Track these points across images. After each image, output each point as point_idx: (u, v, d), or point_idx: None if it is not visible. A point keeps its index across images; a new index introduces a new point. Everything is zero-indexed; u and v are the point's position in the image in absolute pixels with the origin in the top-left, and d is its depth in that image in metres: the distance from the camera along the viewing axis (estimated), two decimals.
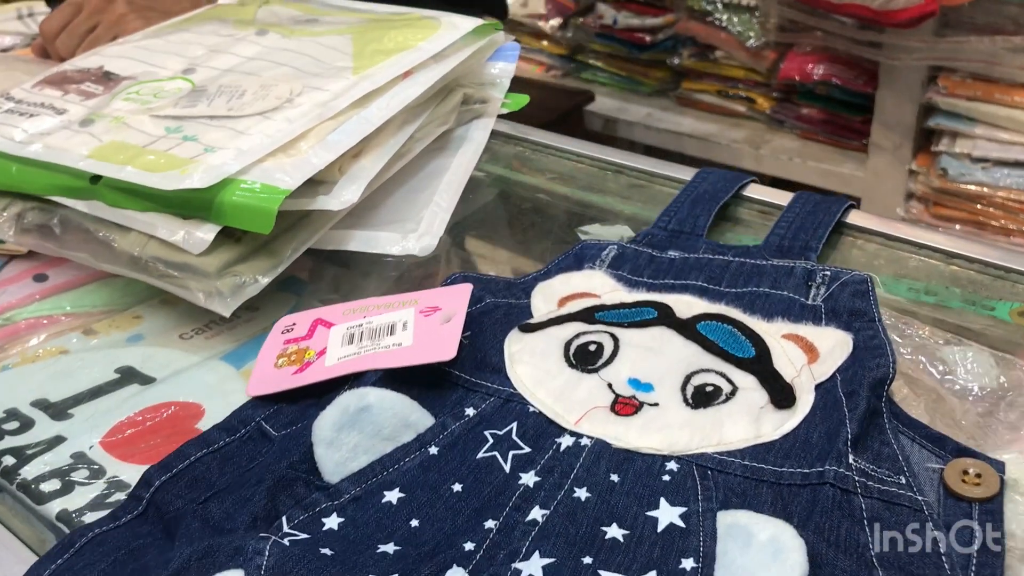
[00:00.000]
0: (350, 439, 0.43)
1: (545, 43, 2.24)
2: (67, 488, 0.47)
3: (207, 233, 0.56)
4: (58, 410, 0.52)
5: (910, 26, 1.37)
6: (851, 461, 0.41)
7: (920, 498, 0.40)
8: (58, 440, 0.50)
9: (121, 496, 0.46)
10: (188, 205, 0.57)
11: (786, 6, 1.68)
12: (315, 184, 0.61)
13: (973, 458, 0.42)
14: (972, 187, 1.61)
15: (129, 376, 0.55)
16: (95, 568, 0.39)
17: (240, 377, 0.55)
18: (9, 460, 0.48)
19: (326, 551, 0.38)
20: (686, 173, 0.68)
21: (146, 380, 0.55)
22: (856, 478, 0.40)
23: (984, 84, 1.54)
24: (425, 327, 0.49)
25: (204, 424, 0.51)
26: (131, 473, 0.47)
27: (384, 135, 0.66)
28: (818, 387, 0.46)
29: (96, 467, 0.48)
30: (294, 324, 0.53)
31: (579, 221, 0.66)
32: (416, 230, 0.63)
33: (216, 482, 0.43)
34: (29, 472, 0.48)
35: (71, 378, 0.55)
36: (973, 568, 0.37)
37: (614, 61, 2.16)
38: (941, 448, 0.43)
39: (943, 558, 0.37)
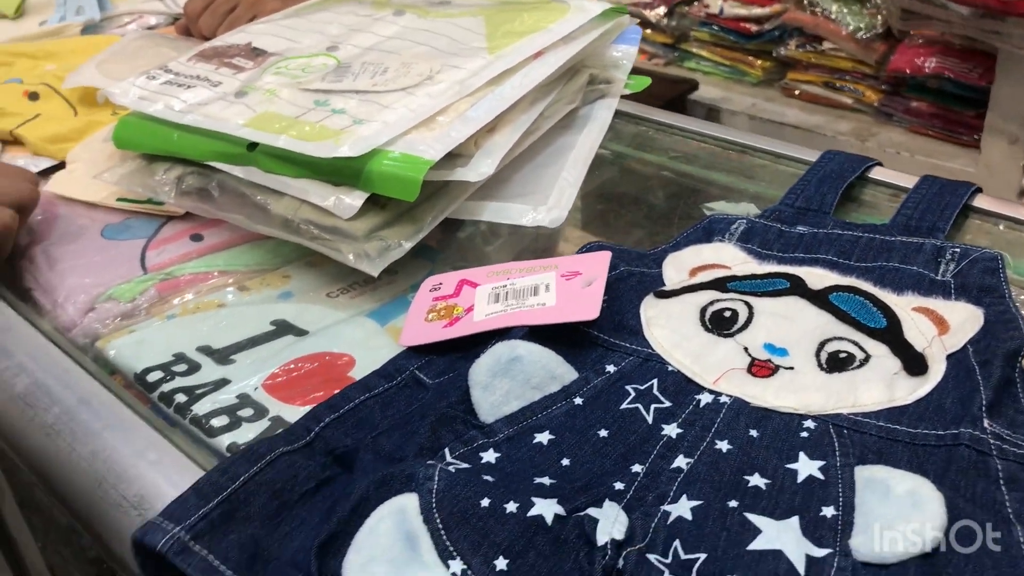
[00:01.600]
0: (503, 385, 0.46)
1: (649, 31, 2.24)
2: (234, 424, 0.51)
3: (356, 199, 0.60)
4: (221, 356, 0.56)
5: None
6: (986, 425, 0.42)
7: None
8: (223, 382, 0.54)
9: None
10: (338, 173, 0.61)
11: None
12: (453, 157, 0.64)
13: None
14: None
15: (284, 328, 0.59)
16: (285, 494, 0.43)
17: (385, 333, 0.59)
18: (181, 397, 0.53)
19: (488, 478, 0.41)
20: (810, 154, 0.70)
21: (300, 332, 0.59)
22: (992, 441, 0.42)
23: None
24: (567, 289, 0.51)
25: (355, 372, 0.55)
26: (292, 413, 0.51)
27: (516, 112, 0.69)
28: (949, 357, 0.47)
29: (259, 406, 0.52)
30: (440, 283, 0.56)
31: (704, 198, 0.68)
32: (546, 203, 0.66)
33: (379, 423, 0.47)
34: (200, 408, 0.52)
35: (231, 328, 0.59)
36: None
37: (718, 50, 2.16)
38: None
39: None
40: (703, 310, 0.51)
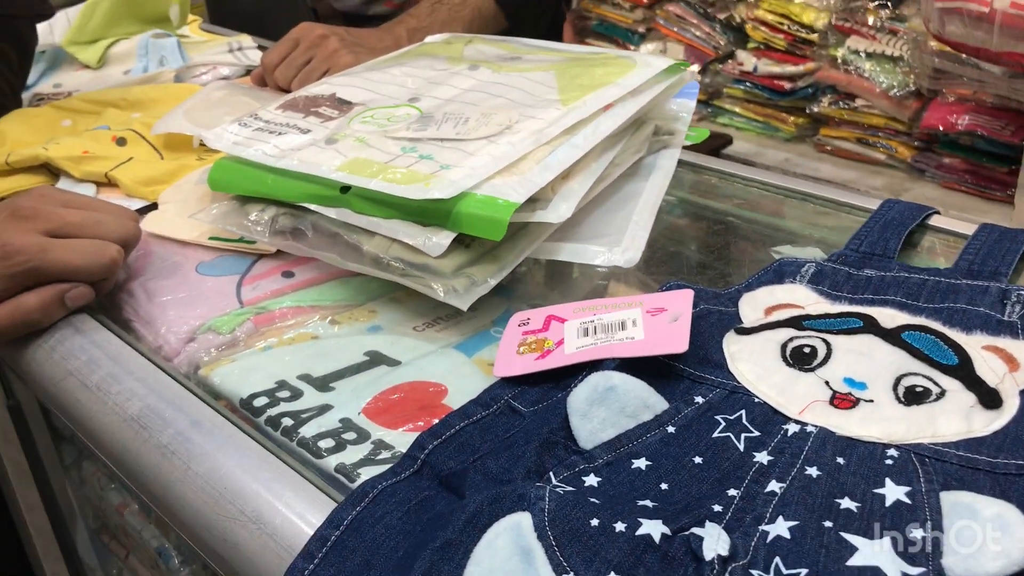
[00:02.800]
0: (599, 413, 0.49)
1: None
2: (340, 446, 0.54)
3: (444, 239, 0.64)
4: (321, 383, 0.60)
5: None
6: None
7: None
8: (326, 408, 0.57)
9: (387, 454, 0.53)
10: (427, 214, 0.65)
11: (935, 56, 1.70)
12: (532, 201, 0.68)
13: None
14: None
15: (378, 359, 0.62)
16: (393, 515, 0.46)
17: (472, 363, 0.62)
18: (287, 421, 0.56)
19: (594, 500, 0.44)
20: (871, 202, 0.73)
21: (393, 362, 0.62)
22: None
23: None
24: (654, 324, 0.55)
25: (448, 400, 0.58)
26: (392, 437, 0.54)
27: (589, 160, 0.73)
28: (1022, 393, 0.50)
29: (362, 430, 0.55)
30: (528, 319, 0.59)
31: (770, 243, 0.71)
32: (620, 244, 0.70)
33: (480, 447, 0.50)
34: (306, 431, 0.55)
35: (327, 358, 0.62)
36: None
37: (752, 106, 2.21)
38: None
39: None
40: (784, 346, 0.54)
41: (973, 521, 0.42)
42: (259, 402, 0.58)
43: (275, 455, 0.53)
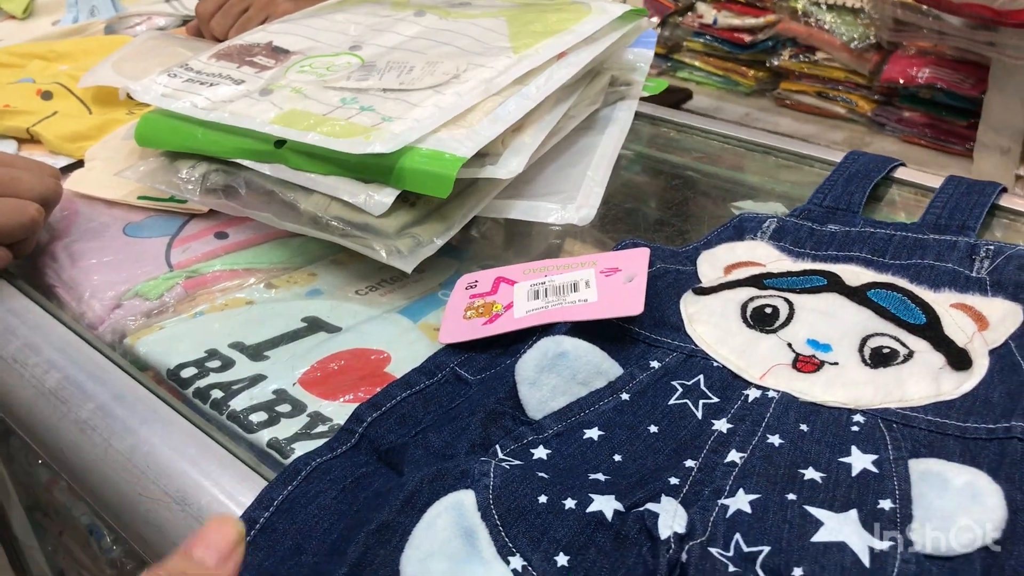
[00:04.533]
0: (549, 380, 0.46)
1: None
2: (273, 420, 0.50)
3: (387, 196, 0.60)
4: (255, 351, 0.56)
5: None
6: None
7: None
8: (259, 378, 0.53)
9: (323, 428, 0.49)
10: (369, 170, 0.61)
11: (897, 6, 1.67)
12: (481, 155, 0.64)
13: None
14: None
15: (316, 325, 0.59)
16: (327, 494, 0.43)
17: (418, 329, 0.58)
18: (217, 393, 0.52)
19: (543, 475, 0.40)
20: (831, 155, 0.70)
21: (332, 329, 0.58)
22: None
23: None
24: (608, 285, 0.51)
25: (392, 368, 0.54)
26: (330, 409, 0.51)
27: (541, 112, 0.69)
28: (992, 352, 0.48)
29: (298, 402, 0.52)
30: (476, 281, 0.56)
31: (728, 197, 0.68)
32: (574, 201, 0.66)
33: (422, 419, 0.47)
34: (237, 404, 0.51)
35: (262, 325, 0.58)
36: None
37: (712, 60, 2.17)
38: None
39: None
40: (744, 306, 0.52)
41: (943, 491, 0.39)
42: (187, 373, 0.54)
43: (202, 430, 0.49)
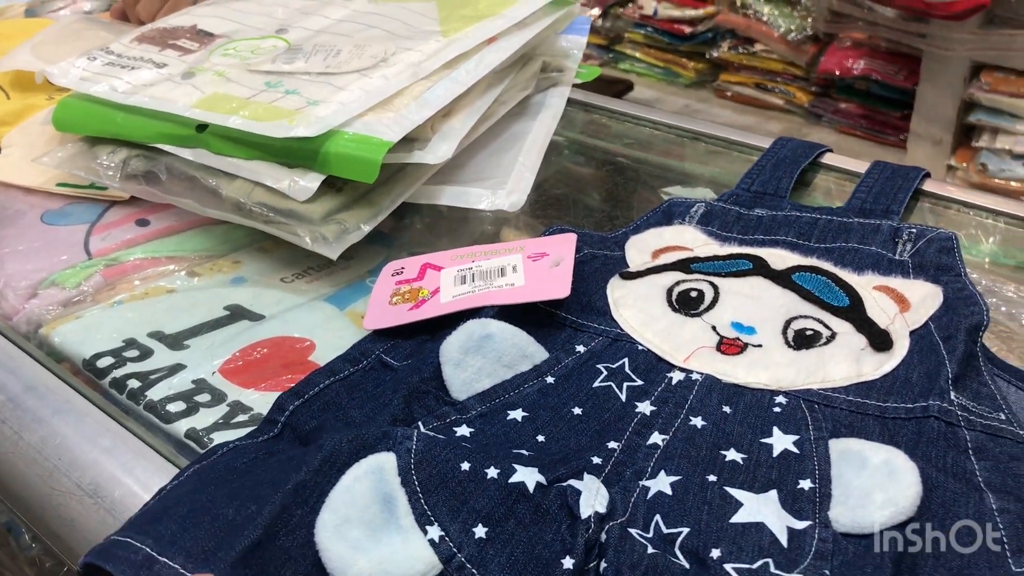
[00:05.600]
0: (475, 362, 0.45)
1: None
2: (192, 409, 0.49)
3: (312, 182, 0.59)
4: (174, 341, 0.54)
5: (962, 18, 1.39)
6: (952, 398, 0.43)
7: (1021, 431, 0.42)
8: (178, 367, 0.52)
9: (244, 417, 0.48)
10: (293, 154, 0.59)
11: None
12: (410, 141, 0.63)
13: None
14: (1013, 183, 1.62)
15: (239, 313, 0.57)
16: (238, 460, 0.42)
17: (344, 316, 0.57)
18: (134, 383, 0.51)
19: (466, 445, 0.40)
20: (761, 141, 0.70)
21: (255, 317, 0.57)
22: (959, 412, 0.43)
23: None
24: (535, 270, 0.51)
25: (316, 357, 0.53)
26: (252, 398, 0.50)
27: (471, 96, 0.69)
28: (912, 333, 0.48)
29: (217, 392, 0.50)
30: (403, 268, 0.55)
31: (660, 184, 0.68)
32: (504, 187, 0.65)
33: (346, 405, 0.46)
34: (154, 394, 0.50)
35: (183, 313, 0.57)
36: None
37: (652, 51, 2.18)
38: None
39: None
40: (669, 291, 0.51)
41: (861, 469, 0.39)
42: (103, 363, 0.52)
43: (117, 421, 0.48)
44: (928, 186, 0.64)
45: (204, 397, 0.50)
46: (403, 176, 0.64)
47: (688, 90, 2.16)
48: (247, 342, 0.54)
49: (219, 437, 0.47)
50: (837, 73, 1.89)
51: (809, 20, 1.89)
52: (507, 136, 0.72)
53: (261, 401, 0.49)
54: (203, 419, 0.48)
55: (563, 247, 0.52)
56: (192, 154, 0.62)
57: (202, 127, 0.62)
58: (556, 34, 0.82)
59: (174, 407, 0.49)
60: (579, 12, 0.82)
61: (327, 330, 0.56)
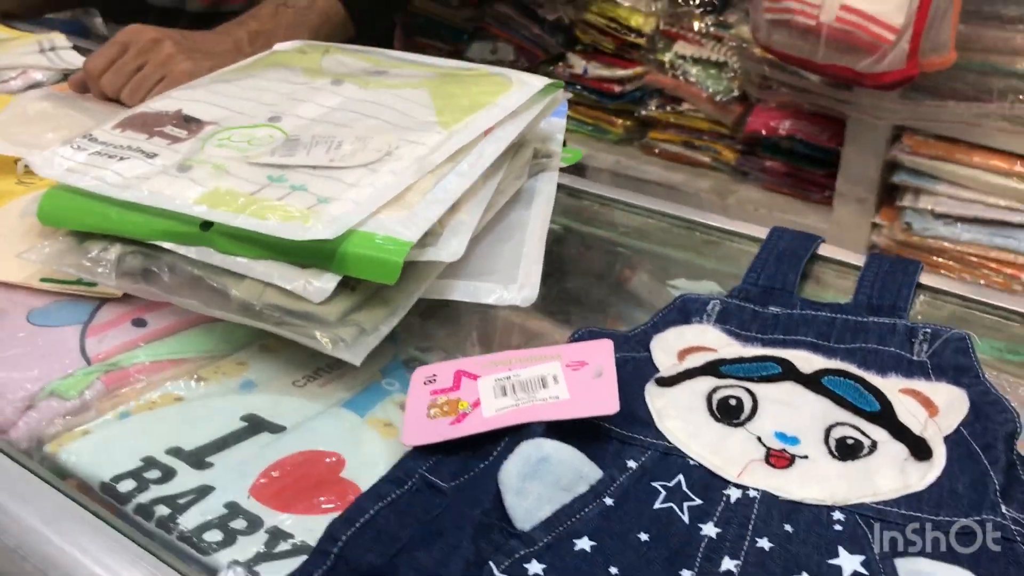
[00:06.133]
0: (534, 488, 0.44)
1: None
2: (230, 539, 0.47)
3: (328, 283, 0.57)
4: (197, 459, 0.52)
5: (891, 88, 1.45)
6: (1004, 511, 0.45)
7: None
8: (207, 489, 0.50)
9: (286, 546, 0.46)
10: (307, 254, 0.58)
11: (764, 64, 1.76)
12: (421, 237, 0.62)
13: None
14: (932, 241, 1.70)
15: (258, 425, 0.55)
16: None
17: (367, 425, 0.56)
18: (163, 510, 0.48)
19: None
20: (756, 231, 0.72)
21: (276, 428, 0.55)
22: (1012, 527, 0.44)
23: (946, 144, 1.63)
24: (577, 381, 0.51)
25: (347, 473, 0.52)
26: (289, 522, 0.48)
27: (475, 189, 0.68)
28: (946, 440, 0.50)
29: (252, 516, 0.48)
30: (435, 375, 0.54)
31: (662, 275, 0.69)
32: (515, 281, 0.65)
33: (400, 535, 0.44)
34: (187, 522, 0.47)
35: (198, 426, 0.54)
36: None
37: (581, 109, 2.22)
38: None
39: None
40: (709, 399, 0.52)
41: None
42: (125, 486, 0.49)
43: (154, 554, 0.45)
44: (926, 280, 0.66)
45: (240, 523, 0.48)
46: (415, 273, 0.63)
47: (616, 146, 2.20)
48: (273, 458, 0.52)
49: (264, 570, 0.45)
50: (763, 133, 1.95)
51: (736, 82, 1.95)
52: (506, 225, 0.72)
53: (300, 526, 0.48)
54: (243, 550, 0.46)
55: (602, 355, 0.52)
56: (196, 252, 0.60)
57: (206, 225, 0.60)
58: (542, 119, 0.82)
59: (210, 536, 0.47)
60: (563, 98, 0.83)
61: (353, 443, 0.54)
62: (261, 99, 0.74)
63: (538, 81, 0.78)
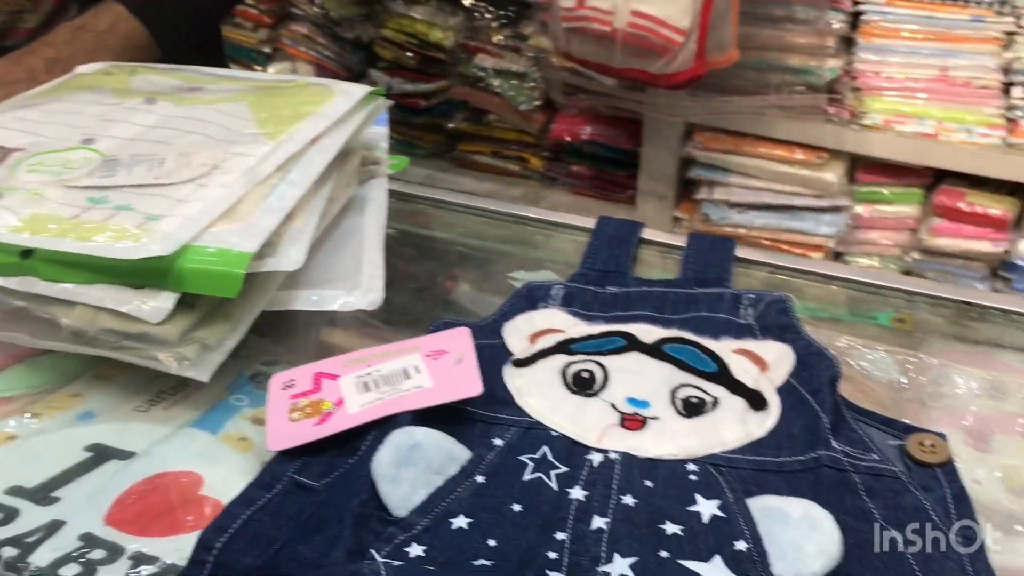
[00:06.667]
0: (408, 474, 0.45)
1: None
2: (89, 570, 0.45)
3: (165, 302, 0.56)
4: (40, 495, 0.49)
5: (683, 87, 1.55)
6: (835, 446, 0.49)
7: (896, 468, 0.48)
8: (57, 524, 0.47)
9: (153, 569, 0.45)
10: (140, 274, 0.56)
11: (565, 71, 1.82)
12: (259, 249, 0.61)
13: (924, 432, 0.51)
14: (730, 229, 1.82)
15: (104, 453, 0.53)
16: None
17: (221, 442, 0.54)
18: (10, 552, 0.45)
19: (430, 567, 0.40)
20: (584, 222, 0.76)
21: (125, 455, 0.53)
22: (843, 459, 0.48)
23: (734, 138, 1.75)
24: (439, 369, 0.52)
25: (207, 490, 0.50)
26: (153, 546, 0.46)
27: (307, 198, 0.68)
28: (778, 390, 0.54)
29: (112, 545, 0.46)
30: (293, 380, 0.53)
31: (502, 269, 0.71)
32: (359, 286, 0.65)
33: (276, 536, 0.44)
34: (38, 559, 0.45)
35: (38, 462, 0.52)
36: (953, 514, 0.46)
37: (392, 125, 2.22)
38: (891, 427, 0.52)
39: (930, 512, 0.46)
40: (563, 374, 0.54)
41: (786, 524, 0.44)
42: None
43: None
44: (740, 252, 0.71)
45: (98, 553, 0.46)
46: (256, 285, 0.62)
47: (428, 160, 2.22)
48: (126, 484, 0.50)
49: None
50: (567, 139, 2.03)
51: (537, 91, 2.02)
52: (342, 233, 0.72)
53: (165, 547, 0.46)
54: None
55: (460, 343, 0.53)
56: (18, 283, 0.57)
57: (27, 253, 0.57)
58: (366, 128, 0.83)
59: (67, 571, 0.45)
60: (384, 106, 0.84)
61: (208, 460, 0.53)
62: (70, 122, 0.71)
63: (359, 89, 0.78)
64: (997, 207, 1.60)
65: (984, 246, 1.63)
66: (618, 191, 2.06)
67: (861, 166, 1.69)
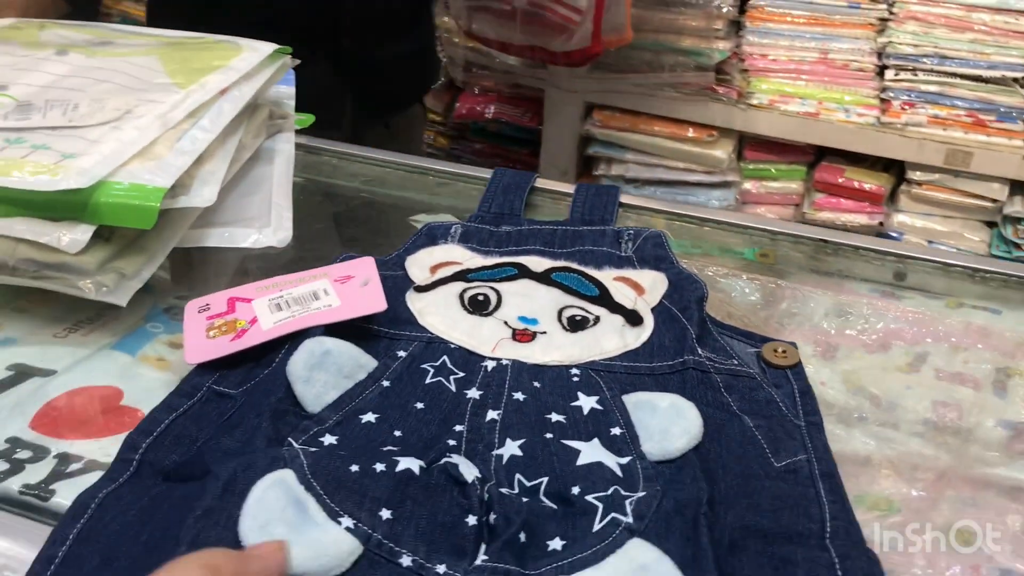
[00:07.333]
0: (320, 377, 0.50)
1: None
2: (17, 468, 0.48)
3: (83, 234, 0.59)
4: None
5: (581, 64, 1.61)
6: (700, 353, 0.56)
7: (752, 370, 0.55)
8: None
9: (78, 465, 0.48)
10: (58, 208, 0.59)
11: (467, 50, 1.87)
12: (172, 188, 0.65)
13: (777, 341, 0.58)
14: None
15: (27, 371, 0.56)
16: (128, 513, 0.43)
17: (140, 362, 0.58)
18: None
19: (342, 452, 0.45)
20: (481, 172, 0.81)
21: (47, 372, 0.56)
22: (707, 362, 0.55)
23: (630, 117, 1.83)
24: (347, 291, 0.56)
25: (128, 401, 0.54)
26: (78, 447, 0.50)
27: (217, 143, 0.71)
28: (653, 310, 0.60)
29: (37, 446, 0.49)
30: (208, 304, 0.57)
31: (405, 213, 0.76)
32: (269, 225, 0.69)
33: (198, 436, 0.48)
34: None
35: None
36: (799, 405, 0.53)
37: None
38: (751, 339, 0.59)
39: (779, 404, 0.53)
40: (461, 297, 0.59)
41: (654, 413, 0.50)
42: None
43: None
44: (622, 198, 0.78)
45: (25, 453, 0.49)
46: (170, 221, 0.65)
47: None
48: (49, 396, 0.53)
49: (61, 487, 0.47)
50: (471, 118, 2.08)
51: (446, 70, 2.06)
52: (252, 180, 0.76)
53: (89, 448, 0.50)
54: (34, 474, 0.47)
55: (365, 269, 0.58)
56: None
57: None
58: (272, 84, 0.86)
59: None
60: (291, 64, 0.87)
61: (128, 377, 0.56)
62: None
63: (267, 47, 0.82)
64: (873, 182, 1.72)
65: (861, 219, 1.75)
66: (521, 168, 2.12)
67: (749, 144, 1.79)
